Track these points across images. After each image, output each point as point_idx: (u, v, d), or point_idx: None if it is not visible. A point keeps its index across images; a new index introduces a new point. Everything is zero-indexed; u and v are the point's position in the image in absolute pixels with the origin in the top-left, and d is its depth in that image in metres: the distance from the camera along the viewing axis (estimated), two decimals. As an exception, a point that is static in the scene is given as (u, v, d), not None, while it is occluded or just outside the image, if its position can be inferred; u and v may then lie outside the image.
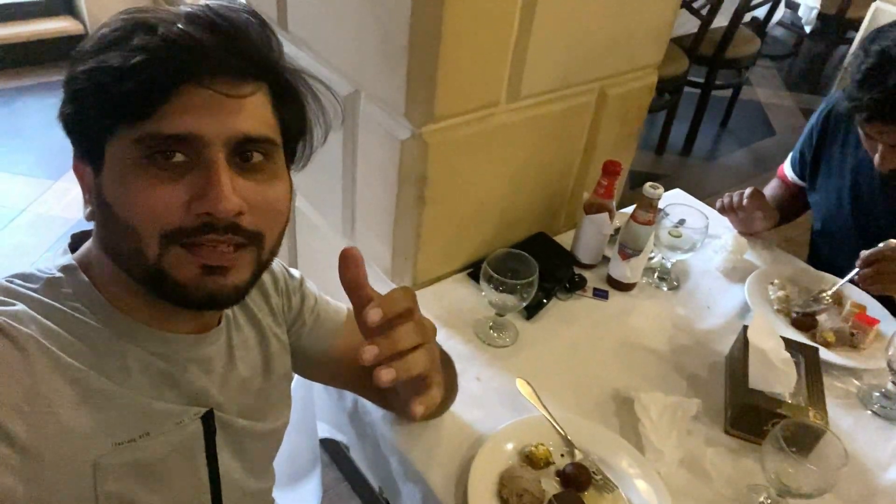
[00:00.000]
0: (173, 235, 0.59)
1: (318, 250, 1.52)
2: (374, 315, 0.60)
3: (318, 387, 1.20)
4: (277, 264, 0.88)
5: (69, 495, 0.58)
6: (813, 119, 1.46)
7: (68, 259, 0.66)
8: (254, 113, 0.61)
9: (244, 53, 0.60)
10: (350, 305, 0.93)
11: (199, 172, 0.58)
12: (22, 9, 3.44)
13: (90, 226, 0.67)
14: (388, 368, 0.61)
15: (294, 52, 1.27)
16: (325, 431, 1.25)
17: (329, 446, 1.62)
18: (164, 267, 0.60)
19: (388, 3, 1.01)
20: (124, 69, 0.56)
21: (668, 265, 1.36)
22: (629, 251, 1.27)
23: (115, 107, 0.57)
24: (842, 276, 1.36)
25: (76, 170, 0.65)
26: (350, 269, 0.63)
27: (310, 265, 1.58)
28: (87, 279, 0.64)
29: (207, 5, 0.60)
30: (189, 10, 0.60)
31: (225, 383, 0.73)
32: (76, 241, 0.69)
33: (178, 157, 0.58)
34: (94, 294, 0.64)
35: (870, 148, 1.23)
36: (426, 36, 0.97)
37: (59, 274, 0.64)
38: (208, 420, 0.71)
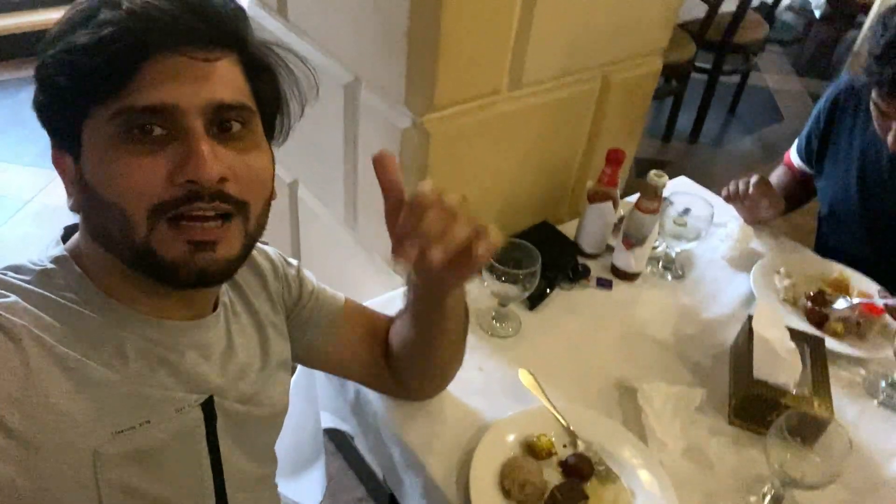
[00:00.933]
0: (160, 209, 0.58)
1: (320, 239, 1.52)
2: (425, 186, 0.63)
3: (320, 377, 1.20)
4: (275, 253, 0.88)
5: (70, 484, 0.59)
6: (820, 104, 1.43)
7: (60, 250, 0.66)
8: (226, 79, 0.61)
9: (211, 20, 0.59)
10: (345, 295, 0.94)
11: (179, 143, 0.58)
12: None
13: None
14: (436, 248, 0.63)
15: (294, 41, 1.26)
16: (328, 421, 1.25)
17: (335, 435, 1.63)
18: (152, 245, 0.59)
19: (387, -11, 1.00)
20: (91, 45, 0.55)
21: (673, 254, 1.34)
22: (633, 240, 1.26)
23: (86, 85, 0.57)
24: (849, 263, 1.35)
25: (56, 163, 0.64)
26: (389, 169, 0.65)
27: (311, 254, 1.58)
28: (79, 269, 0.64)
29: None
30: None
31: (224, 369, 0.73)
32: (68, 233, 0.69)
33: (157, 131, 0.58)
34: (86, 284, 0.64)
35: (883, 128, 1.20)
36: (426, 23, 0.95)
37: (51, 265, 0.64)
38: (209, 407, 0.71)
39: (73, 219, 0.67)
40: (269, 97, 0.67)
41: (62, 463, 0.58)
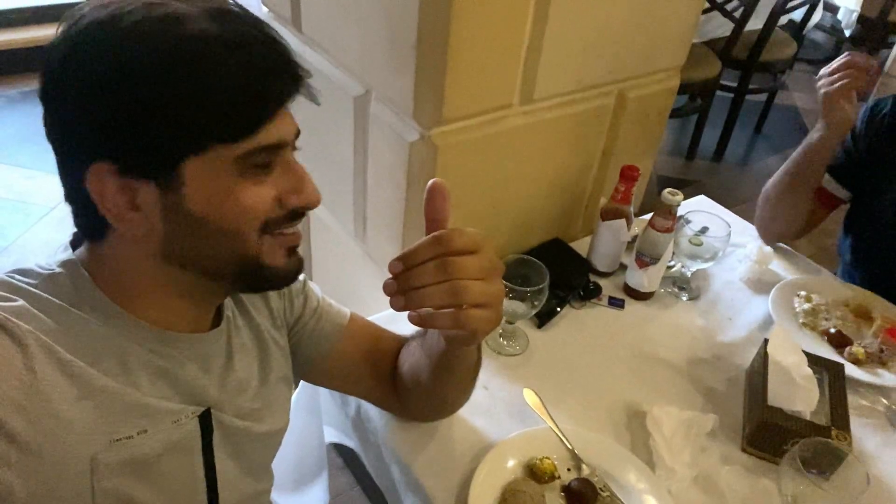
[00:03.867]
0: (266, 227, 0.64)
1: (331, 252, 1.52)
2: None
3: (323, 392, 1.19)
4: None
5: (67, 491, 0.59)
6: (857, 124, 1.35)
7: (68, 255, 0.66)
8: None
9: (297, 66, 0.63)
10: (351, 311, 0.93)
11: (282, 170, 0.64)
12: (56, 10, 3.53)
13: None
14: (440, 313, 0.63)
15: (307, 53, 1.27)
16: (332, 436, 1.24)
17: (343, 450, 1.61)
18: (262, 257, 0.65)
19: (396, 2, 0.99)
20: (228, 91, 0.57)
21: (688, 274, 1.31)
22: (647, 259, 1.23)
23: (213, 127, 0.58)
24: (876, 290, 1.29)
25: (99, 184, 0.59)
26: (437, 200, 0.66)
27: (323, 267, 1.58)
28: (87, 275, 0.64)
29: (251, 20, 0.61)
30: (247, 25, 0.60)
31: (223, 383, 0.73)
32: (77, 238, 0.68)
33: (267, 161, 0.63)
34: (93, 290, 0.63)
35: None
36: (434, 35, 0.95)
37: (58, 270, 0.64)
38: (206, 419, 0.71)
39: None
40: None
41: (61, 469, 0.58)
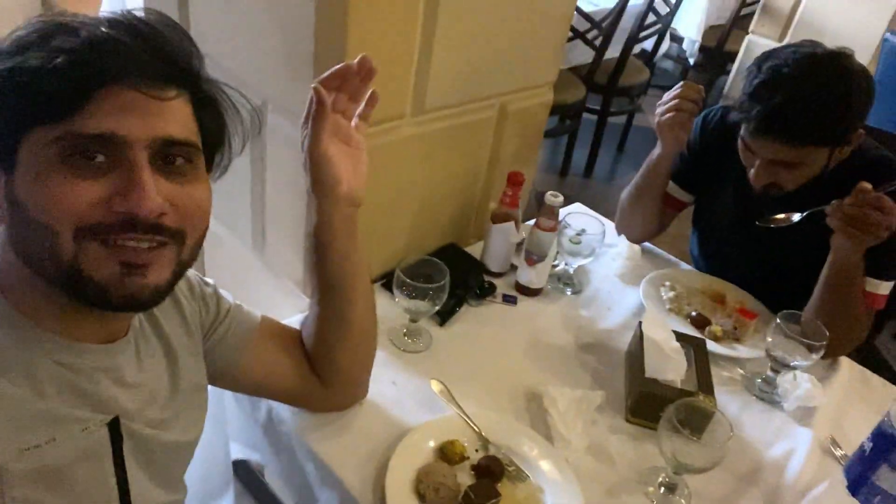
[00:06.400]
0: (89, 231, 0.59)
1: (226, 265, 1.50)
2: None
3: (230, 405, 1.18)
4: (191, 272, 0.87)
5: None
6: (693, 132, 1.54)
7: None
8: (177, 116, 0.62)
9: (168, 58, 0.61)
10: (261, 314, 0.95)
11: (122, 172, 0.59)
12: None
13: None
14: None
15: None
16: (238, 452, 1.22)
17: (242, 473, 1.58)
18: (80, 266, 0.59)
19: (292, 14, 1.03)
20: (45, 69, 0.56)
21: (571, 270, 1.43)
22: (535, 257, 1.34)
23: (33, 106, 0.57)
24: (723, 276, 1.48)
25: None
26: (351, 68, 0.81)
27: (218, 283, 1.55)
28: None
29: (130, 11, 0.62)
30: (110, 15, 0.60)
31: (134, 393, 0.72)
32: None
33: (99, 158, 0.58)
34: (3, 303, 0.62)
35: (748, 162, 1.29)
36: (331, 48, 1.00)
37: None
38: (115, 427, 0.70)
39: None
40: (214, 134, 0.69)
41: None
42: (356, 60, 0.82)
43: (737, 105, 1.25)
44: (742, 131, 1.27)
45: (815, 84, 1.16)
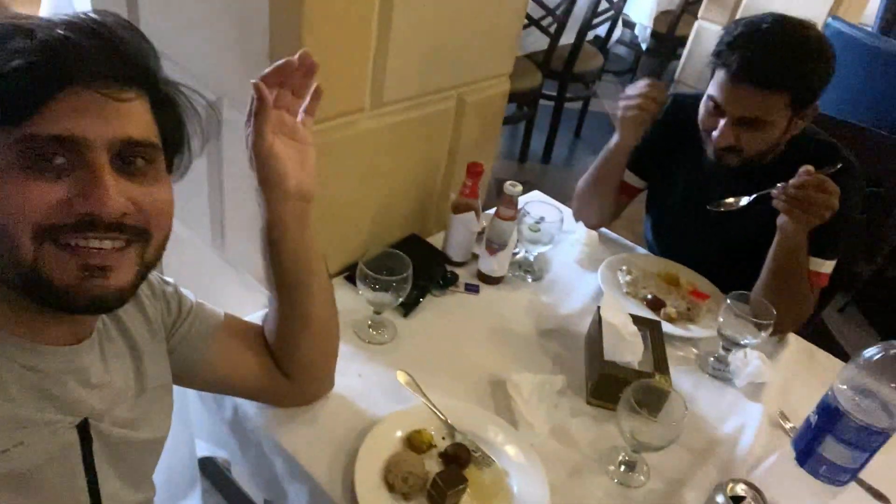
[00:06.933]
0: (48, 232, 0.58)
1: (185, 265, 1.48)
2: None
3: (195, 402, 1.17)
4: (152, 272, 0.87)
5: None
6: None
7: None
8: (136, 117, 0.62)
9: (126, 59, 0.61)
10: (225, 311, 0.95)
11: (82, 174, 0.59)
12: None
13: None
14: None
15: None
16: (204, 450, 1.22)
17: (209, 470, 1.57)
18: (40, 269, 0.59)
19: (247, 9, 1.02)
20: (1, 72, 0.55)
21: (531, 258, 1.46)
22: (496, 246, 1.36)
23: None
24: (677, 259, 1.53)
25: None
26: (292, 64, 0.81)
27: (178, 279, 1.53)
28: None
29: (85, 13, 0.61)
30: (66, 17, 0.60)
31: (101, 394, 0.72)
32: None
33: (58, 160, 0.58)
34: None
35: (711, 126, 1.30)
36: (286, 42, 0.99)
37: None
38: (84, 429, 0.70)
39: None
40: (174, 135, 0.69)
41: None
42: (297, 56, 0.82)
43: (712, 57, 1.28)
44: (710, 88, 1.30)
45: (793, 38, 1.22)
